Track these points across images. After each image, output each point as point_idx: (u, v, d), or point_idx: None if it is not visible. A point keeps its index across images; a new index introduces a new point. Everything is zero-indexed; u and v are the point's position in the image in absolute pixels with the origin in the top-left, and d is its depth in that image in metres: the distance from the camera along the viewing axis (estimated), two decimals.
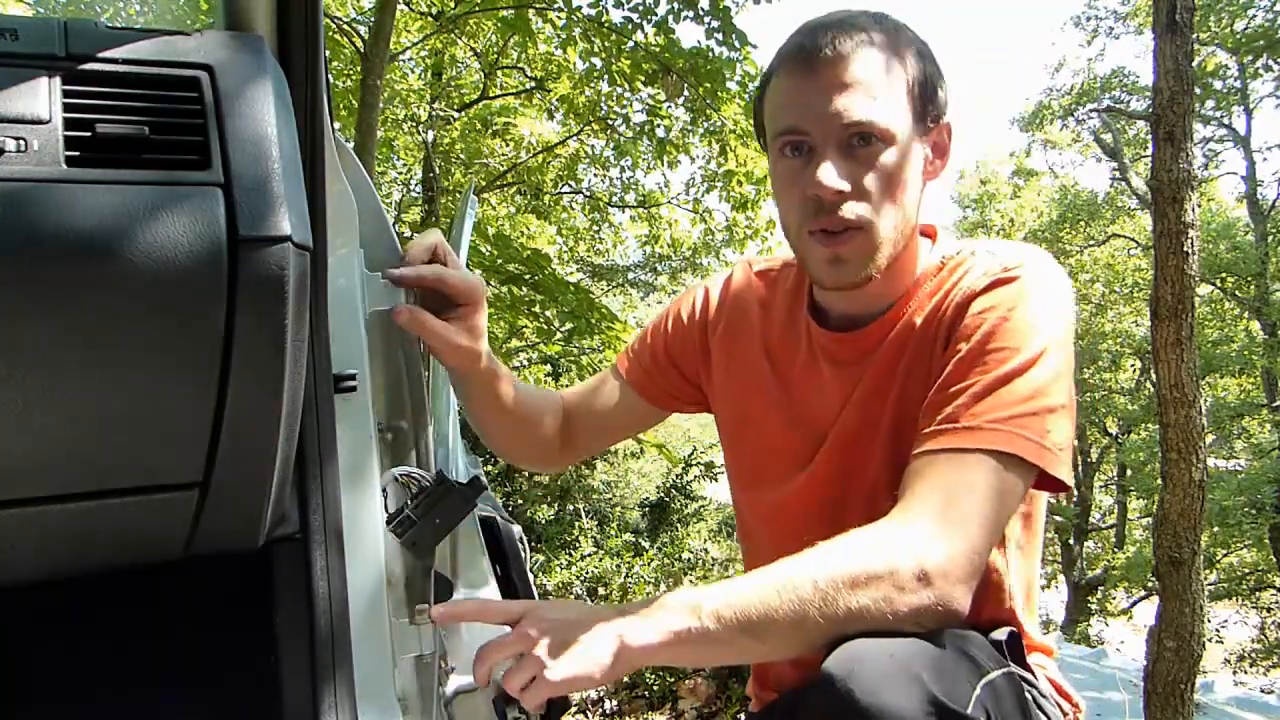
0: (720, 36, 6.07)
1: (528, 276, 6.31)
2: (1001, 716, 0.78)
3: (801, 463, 1.08)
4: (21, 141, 0.63)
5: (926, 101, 0.98)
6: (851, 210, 0.94)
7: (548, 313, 6.57)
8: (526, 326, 6.81)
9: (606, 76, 6.96)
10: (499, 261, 6.39)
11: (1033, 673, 0.98)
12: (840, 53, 0.93)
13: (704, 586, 0.87)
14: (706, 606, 0.84)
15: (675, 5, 6.01)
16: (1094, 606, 15.84)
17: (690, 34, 10.38)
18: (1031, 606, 1.08)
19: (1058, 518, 16.39)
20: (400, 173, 10.36)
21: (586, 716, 5.15)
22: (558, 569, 6.83)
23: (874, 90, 0.93)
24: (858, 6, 1.00)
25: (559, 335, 6.73)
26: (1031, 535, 1.06)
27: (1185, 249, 3.28)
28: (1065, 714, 1.03)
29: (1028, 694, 0.88)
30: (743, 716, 4.71)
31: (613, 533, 7.88)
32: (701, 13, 5.98)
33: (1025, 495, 0.91)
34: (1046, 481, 0.90)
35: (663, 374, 1.24)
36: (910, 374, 0.99)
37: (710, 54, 6.23)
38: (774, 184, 1.03)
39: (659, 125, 7.40)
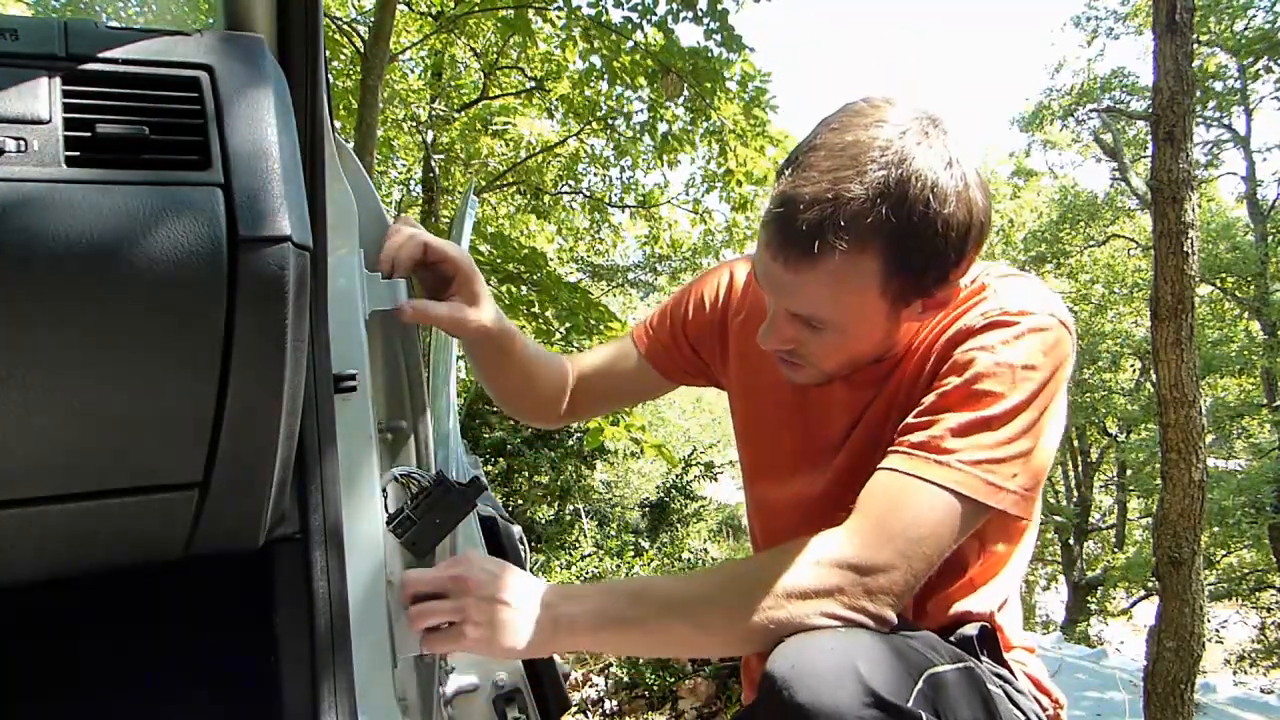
0: (719, 38, 6.06)
1: (525, 275, 6.32)
2: (947, 709, 0.79)
3: (803, 472, 1.10)
4: (21, 141, 0.63)
5: (908, 290, 0.92)
6: (795, 356, 1.00)
7: (547, 313, 6.57)
8: (526, 326, 6.82)
9: (606, 76, 6.96)
10: (498, 260, 6.39)
11: (1010, 669, 1.00)
12: (800, 259, 0.87)
13: (652, 577, 0.89)
14: (651, 593, 0.87)
15: (674, 5, 6.00)
16: (1094, 606, 15.84)
17: (690, 34, 10.36)
18: (1012, 608, 1.09)
19: (1057, 518, 16.39)
20: (400, 173, 10.36)
21: (586, 716, 5.15)
22: (558, 569, 6.83)
23: (822, 299, 0.91)
24: (867, 94, 0.94)
25: (558, 335, 6.73)
26: (1013, 540, 1.07)
27: (1185, 249, 3.29)
28: (1045, 709, 1.04)
29: (995, 688, 0.91)
30: None
31: (613, 533, 7.88)
32: (700, 13, 5.97)
33: (976, 526, 0.93)
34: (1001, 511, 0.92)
35: (679, 351, 1.26)
36: (907, 404, 1.00)
37: (709, 54, 6.22)
38: None
39: (661, 120, 7.38)
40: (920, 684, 0.78)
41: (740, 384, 1.20)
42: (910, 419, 0.94)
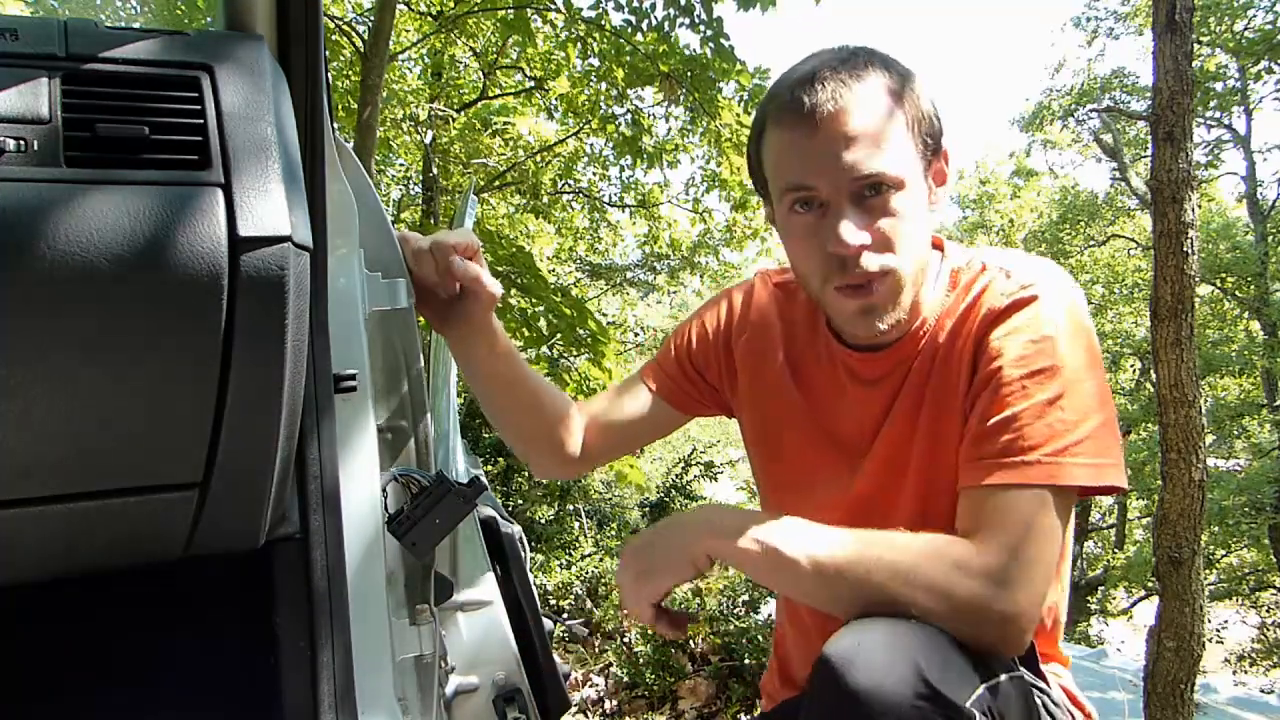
0: (715, 46, 6.04)
1: (515, 276, 6.29)
2: (1001, 718, 0.78)
3: (835, 479, 1.09)
4: (21, 141, 0.63)
5: (928, 136, 0.97)
6: (874, 262, 0.94)
7: (540, 323, 6.52)
8: (518, 336, 6.79)
9: (606, 75, 6.96)
10: (489, 261, 6.32)
11: (1046, 680, 0.99)
12: (841, 105, 0.91)
13: (806, 522, 0.92)
14: (810, 538, 0.89)
15: (671, 11, 5.99)
16: (1094, 606, 15.82)
17: (689, 39, 10.34)
18: (1056, 618, 1.08)
19: None
20: (400, 172, 10.35)
21: (586, 716, 5.15)
22: (557, 569, 6.84)
23: (880, 139, 0.92)
24: (837, 43, 1.00)
25: (545, 338, 6.69)
26: (1066, 547, 1.07)
27: (1185, 249, 3.28)
28: None
29: (1037, 699, 0.89)
30: (744, 717, 4.70)
31: (613, 533, 7.88)
32: (697, 20, 5.95)
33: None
34: (1105, 487, 0.91)
35: (689, 381, 1.26)
36: (938, 396, 0.99)
37: (705, 59, 6.21)
38: (784, 237, 1.01)
39: (643, 139, 7.38)
40: (981, 689, 0.78)
41: (750, 400, 1.19)
42: (977, 424, 0.93)
